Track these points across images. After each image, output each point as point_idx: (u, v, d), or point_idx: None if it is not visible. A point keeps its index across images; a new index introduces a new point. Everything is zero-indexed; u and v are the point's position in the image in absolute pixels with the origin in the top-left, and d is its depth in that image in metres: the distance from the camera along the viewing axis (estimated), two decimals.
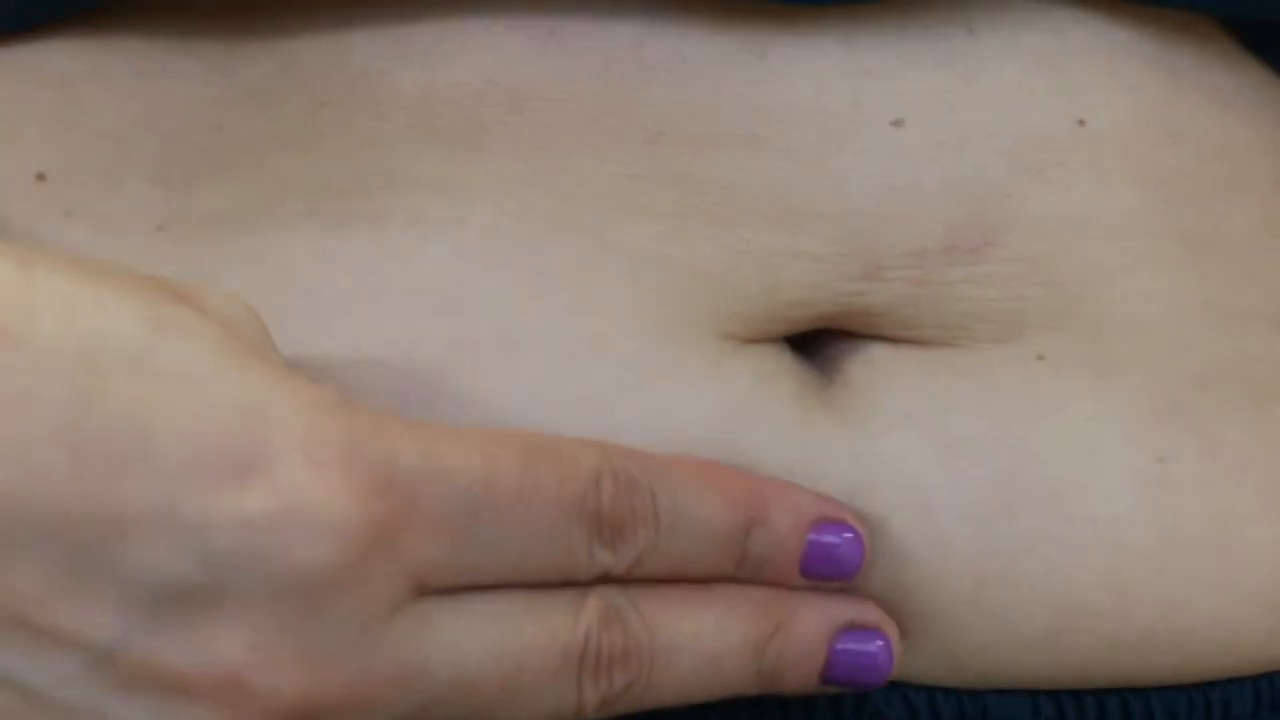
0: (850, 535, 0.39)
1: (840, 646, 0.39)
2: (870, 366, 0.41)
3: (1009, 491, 0.40)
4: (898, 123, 0.41)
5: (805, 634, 0.38)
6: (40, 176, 0.42)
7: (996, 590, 0.40)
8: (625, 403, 0.39)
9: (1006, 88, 0.41)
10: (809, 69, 0.41)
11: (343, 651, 0.34)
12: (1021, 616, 0.40)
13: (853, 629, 0.39)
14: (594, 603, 0.36)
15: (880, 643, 0.39)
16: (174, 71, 0.42)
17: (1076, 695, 0.41)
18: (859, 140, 0.41)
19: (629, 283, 0.40)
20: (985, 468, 0.40)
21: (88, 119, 0.42)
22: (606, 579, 0.36)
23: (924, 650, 0.40)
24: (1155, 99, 0.42)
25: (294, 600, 0.33)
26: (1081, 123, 0.41)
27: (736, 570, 0.38)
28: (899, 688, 0.41)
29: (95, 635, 0.32)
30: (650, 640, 0.37)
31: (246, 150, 0.41)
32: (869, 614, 0.39)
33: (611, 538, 0.36)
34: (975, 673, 0.41)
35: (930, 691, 0.41)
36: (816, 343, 0.42)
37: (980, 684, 0.41)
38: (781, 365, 0.41)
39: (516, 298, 0.39)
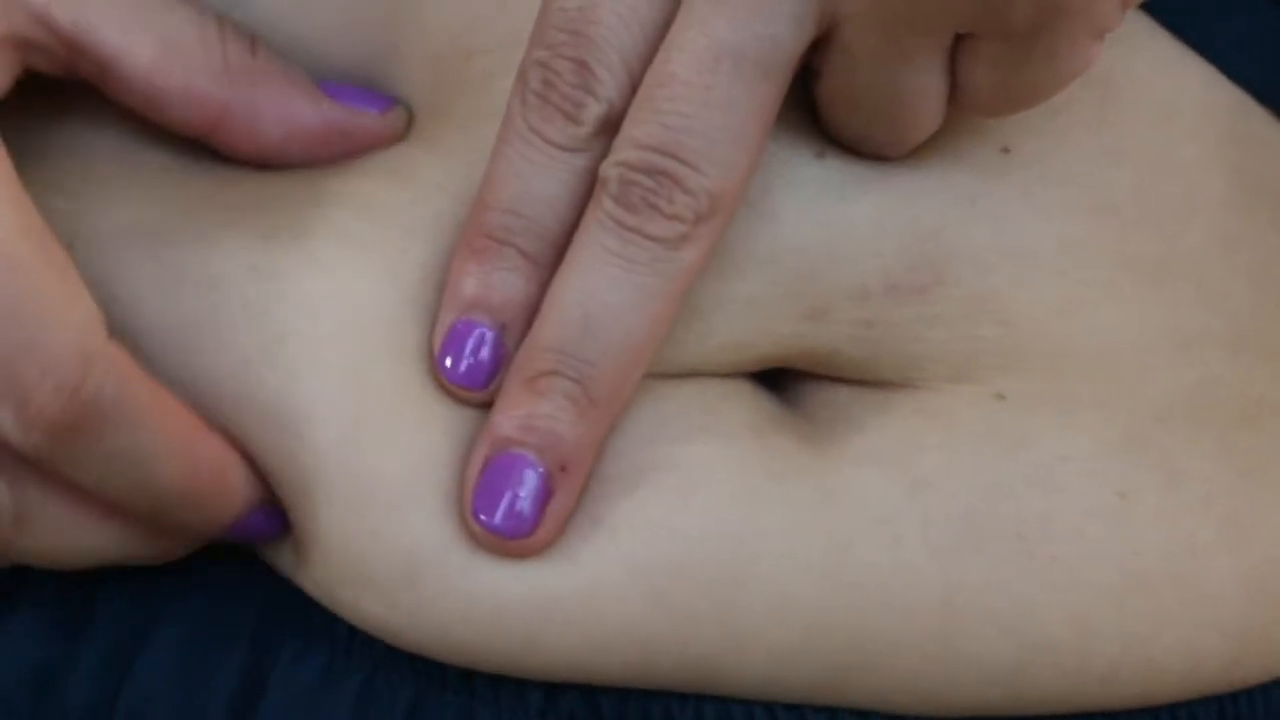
0: None
1: None
2: (833, 408, 0.40)
3: (975, 529, 0.39)
4: (820, 154, 0.40)
5: None
6: None
7: (963, 625, 0.39)
8: None
9: None
10: None
11: None
12: (987, 652, 0.40)
13: None
14: None
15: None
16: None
17: None
18: (784, 175, 0.39)
19: None
20: (952, 506, 0.39)
21: None
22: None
23: (891, 682, 0.40)
24: (1087, 121, 0.41)
25: None
26: (1005, 150, 0.40)
27: None
28: (869, 717, 0.40)
29: None
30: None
31: (155, 158, 0.40)
32: None
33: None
34: (942, 704, 0.40)
35: None
36: (776, 382, 0.41)
37: (948, 713, 0.40)
38: (729, 389, 0.40)
39: None
